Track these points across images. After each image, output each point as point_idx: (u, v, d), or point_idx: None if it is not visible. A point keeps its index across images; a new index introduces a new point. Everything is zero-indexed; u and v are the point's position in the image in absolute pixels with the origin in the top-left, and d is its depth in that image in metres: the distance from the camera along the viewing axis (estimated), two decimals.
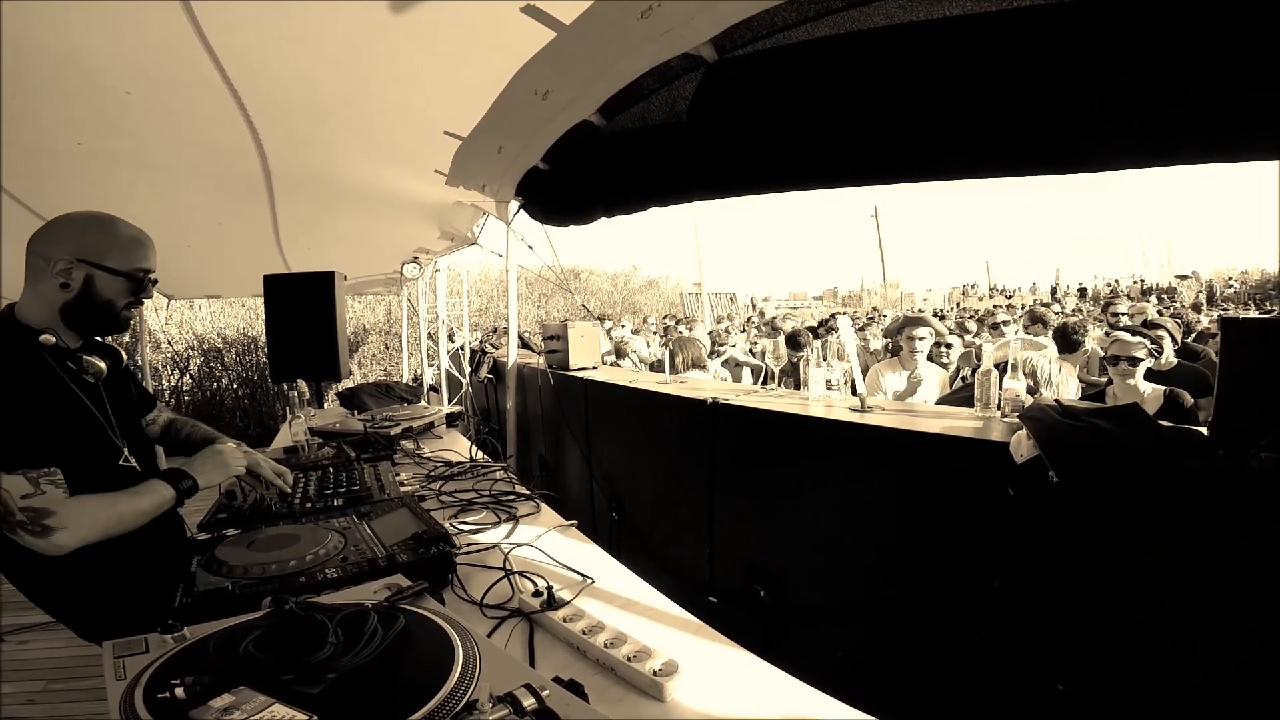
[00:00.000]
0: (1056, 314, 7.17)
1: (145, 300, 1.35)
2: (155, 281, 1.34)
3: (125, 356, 1.44)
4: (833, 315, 7.11)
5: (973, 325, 7.56)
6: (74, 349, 1.27)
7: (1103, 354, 2.96)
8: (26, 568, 1.22)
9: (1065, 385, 2.06)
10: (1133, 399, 2.64)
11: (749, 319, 13.14)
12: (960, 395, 2.78)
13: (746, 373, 5.02)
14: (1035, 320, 4.61)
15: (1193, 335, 5.71)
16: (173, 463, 1.37)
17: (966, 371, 3.29)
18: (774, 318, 7.22)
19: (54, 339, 1.21)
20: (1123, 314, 5.28)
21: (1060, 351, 4.07)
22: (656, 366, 4.10)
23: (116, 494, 1.21)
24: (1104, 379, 3.18)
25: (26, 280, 1.24)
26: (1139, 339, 2.76)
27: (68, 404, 1.23)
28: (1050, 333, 4.26)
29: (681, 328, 7.84)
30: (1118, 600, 1.21)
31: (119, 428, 1.33)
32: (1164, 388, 2.68)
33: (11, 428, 1.09)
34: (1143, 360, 2.70)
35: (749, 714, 0.83)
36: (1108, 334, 3.17)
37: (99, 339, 1.37)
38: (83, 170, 2.66)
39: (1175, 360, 3.20)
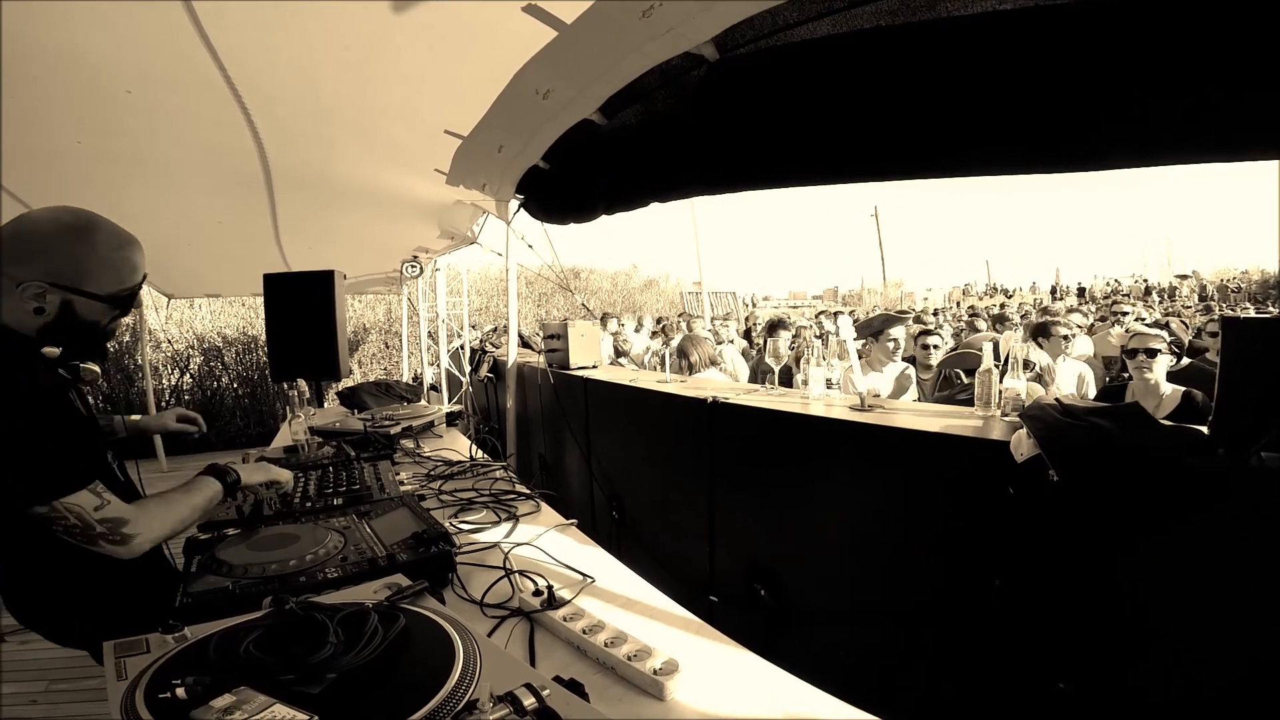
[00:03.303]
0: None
1: (132, 308, 1.24)
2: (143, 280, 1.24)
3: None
4: (819, 315, 7.09)
5: (982, 324, 7.53)
6: (65, 357, 1.15)
7: (1122, 348, 2.90)
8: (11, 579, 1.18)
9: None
10: (1151, 396, 2.61)
11: (747, 318, 13.15)
12: (951, 396, 2.77)
13: (742, 370, 5.02)
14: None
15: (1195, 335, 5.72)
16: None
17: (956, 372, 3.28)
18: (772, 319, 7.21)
19: (57, 351, 1.11)
20: (1129, 312, 5.25)
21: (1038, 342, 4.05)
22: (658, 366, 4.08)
23: (170, 493, 1.20)
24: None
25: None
26: (1157, 331, 2.71)
27: (77, 413, 1.19)
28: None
29: (682, 323, 7.83)
30: (1118, 599, 1.21)
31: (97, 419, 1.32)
32: (1183, 388, 2.62)
33: (57, 448, 1.05)
34: (1161, 352, 2.63)
35: (749, 713, 0.83)
36: (1127, 330, 3.13)
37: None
38: (83, 169, 2.66)
39: (1186, 361, 3.16)
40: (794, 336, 4.62)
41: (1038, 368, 3.54)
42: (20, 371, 1.07)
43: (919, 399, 3.25)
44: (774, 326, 4.71)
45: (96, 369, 1.21)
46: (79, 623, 1.18)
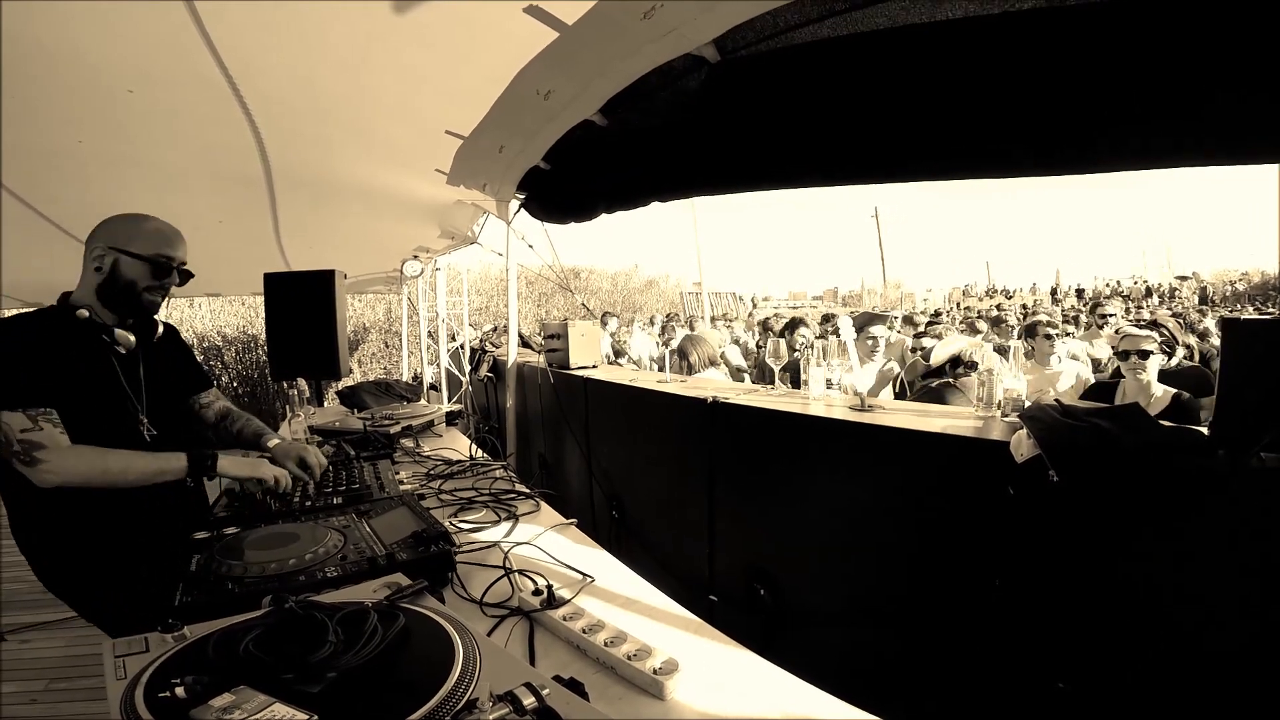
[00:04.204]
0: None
1: (170, 286, 1.49)
2: (183, 272, 1.50)
3: (156, 334, 1.58)
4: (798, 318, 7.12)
5: (983, 325, 7.49)
6: (109, 324, 1.43)
7: (1114, 349, 2.95)
8: (47, 553, 1.39)
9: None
10: (1143, 396, 2.63)
11: (749, 316, 13.16)
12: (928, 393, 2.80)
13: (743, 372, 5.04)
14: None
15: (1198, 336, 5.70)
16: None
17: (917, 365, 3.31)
18: (767, 318, 7.22)
19: (87, 313, 1.39)
20: (1113, 315, 5.25)
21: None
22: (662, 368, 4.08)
23: (117, 450, 1.35)
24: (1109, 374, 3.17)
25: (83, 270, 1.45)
26: (1148, 333, 2.75)
27: (90, 366, 1.40)
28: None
29: (683, 328, 7.84)
30: (1118, 599, 1.21)
31: (147, 395, 1.50)
32: (1173, 390, 2.66)
33: (18, 375, 1.27)
34: (1153, 353, 2.67)
35: (749, 712, 0.83)
36: (1118, 331, 3.16)
37: (154, 319, 1.56)
38: (84, 169, 2.66)
39: (1176, 362, 3.19)
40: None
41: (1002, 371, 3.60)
42: (31, 319, 1.38)
43: (896, 395, 3.33)
44: (793, 325, 4.76)
45: (130, 336, 1.46)
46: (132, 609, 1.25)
